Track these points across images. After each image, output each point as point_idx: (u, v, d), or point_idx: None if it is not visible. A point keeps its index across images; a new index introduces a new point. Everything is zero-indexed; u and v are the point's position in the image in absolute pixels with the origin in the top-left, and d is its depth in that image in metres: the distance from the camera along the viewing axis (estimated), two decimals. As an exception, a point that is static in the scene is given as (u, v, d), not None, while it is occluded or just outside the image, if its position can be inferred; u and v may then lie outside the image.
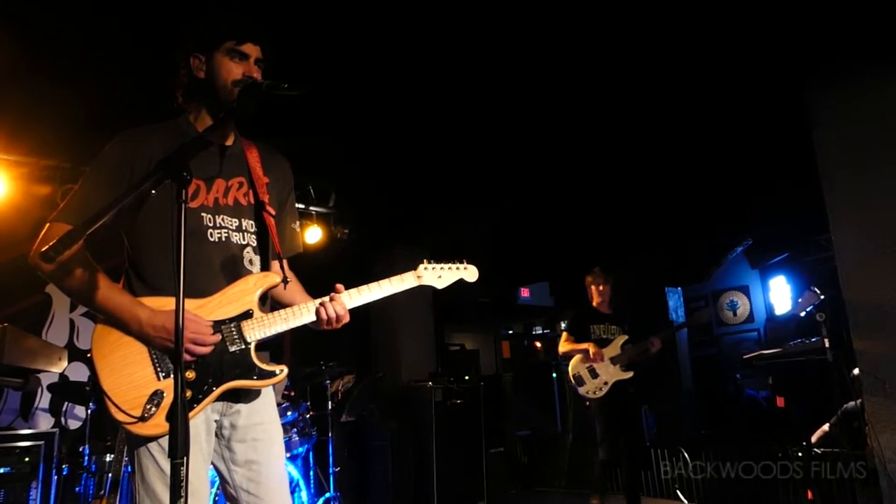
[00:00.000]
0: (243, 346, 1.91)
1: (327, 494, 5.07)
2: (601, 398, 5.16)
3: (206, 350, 1.83)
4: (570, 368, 5.32)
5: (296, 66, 2.47)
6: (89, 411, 4.36)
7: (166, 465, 1.76)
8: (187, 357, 1.79)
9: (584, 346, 5.30)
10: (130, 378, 1.80)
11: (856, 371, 4.23)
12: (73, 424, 5.28)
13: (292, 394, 5.20)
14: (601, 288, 5.50)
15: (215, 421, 1.95)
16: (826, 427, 4.97)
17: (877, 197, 4.18)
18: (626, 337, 5.33)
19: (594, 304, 5.53)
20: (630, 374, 5.20)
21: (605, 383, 5.16)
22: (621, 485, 5.19)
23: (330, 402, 5.35)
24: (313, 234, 6.11)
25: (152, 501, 1.79)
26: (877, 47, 4.13)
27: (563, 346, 5.47)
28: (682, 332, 9.12)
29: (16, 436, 4.29)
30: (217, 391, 1.85)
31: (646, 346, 5.19)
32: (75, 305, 5.52)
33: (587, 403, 5.25)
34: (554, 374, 8.48)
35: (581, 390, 5.25)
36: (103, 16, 3.50)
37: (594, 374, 5.21)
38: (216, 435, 1.96)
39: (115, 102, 3.99)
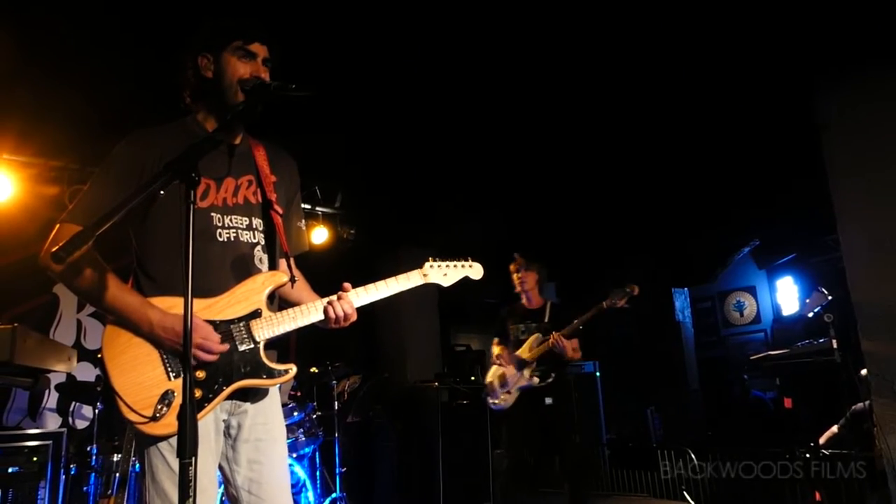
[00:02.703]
0: (252, 346, 1.92)
1: (333, 495, 5.08)
2: (509, 409, 4.62)
3: (213, 358, 1.84)
4: (487, 376, 4.83)
5: (302, 67, 2.48)
6: (97, 411, 4.37)
7: (177, 464, 1.77)
8: (193, 362, 1.80)
9: (496, 350, 4.83)
10: (141, 378, 1.81)
11: (864, 372, 4.21)
12: (81, 424, 5.30)
13: (298, 394, 5.21)
14: (519, 276, 4.83)
15: (223, 420, 1.95)
16: (835, 429, 4.94)
17: (885, 198, 4.16)
18: (539, 336, 4.59)
19: (522, 299, 4.88)
20: (536, 381, 4.52)
21: (509, 392, 4.62)
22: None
23: (336, 403, 5.36)
24: (320, 235, 6.12)
25: (162, 501, 1.79)
26: (885, 48, 4.12)
27: (493, 349, 4.92)
28: (688, 332, 9.09)
29: (24, 435, 4.32)
30: (227, 390, 1.86)
31: (547, 343, 4.46)
32: (82, 305, 5.54)
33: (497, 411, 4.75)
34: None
35: (490, 401, 4.73)
36: (111, 18, 3.52)
37: (504, 383, 4.68)
38: (224, 434, 1.97)
39: (123, 103, 4.01)
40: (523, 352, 4.63)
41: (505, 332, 4.86)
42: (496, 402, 4.71)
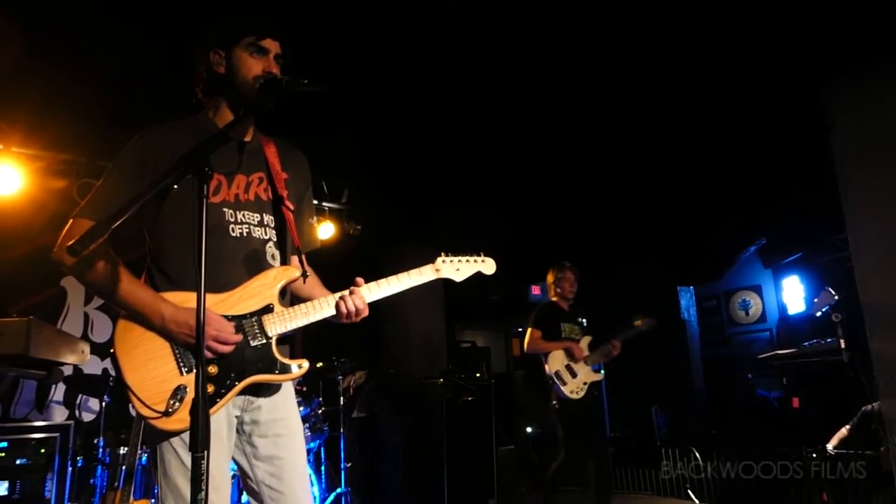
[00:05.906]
0: (264, 341, 1.92)
1: (339, 490, 5.09)
2: (579, 400, 5.05)
3: (228, 349, 1.84)
4: (547, 366, 5.09)
5: (312, 64, 2.47)
6: (103, 404, 4.39)
7: (189, 459, 1.77)
8: (208, 355, 1.80)
9: (564, 343, 5.15)
10: (154, 373, 1.80)
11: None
12: (88, 417, 5.31)
13: (304, 389, 5.21)
14: (575, 283, 5.34)
15: (236, 416, 1.95)
16: (844, 430, 4.91)
17: (893, 197, 4.14)
18: (591, 337, 5.28)
19: (560, 300, 5.36)
20: (601, 376, 5.22)
21: (585, 384, 5.09)
22: (592, 484, 5.14)
23: (341, 398, 5.36)
24: (326, 230, 6.12)
25: (174, 496, 1.79)
26: (893, 47, 4.09)
27: (537, 343, 5.18)
28: (693, 330, 9.09)
29: (32, 428, 4.33)
30: (239, 386, 1.86)
31: (608, 349, 5.16)
32: (90, 298, 5.54)
33: (554, 404, 5.04)
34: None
35: (564, 389, 5.03)
36: (120, 12, 3.52)
37: (573, 374, 5.08)
38: (237, 431, 1.97)
39: (132, 97, 4.02)
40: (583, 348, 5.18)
41: (553, 329, 5.20)
42: (571, 391, 5.02)
